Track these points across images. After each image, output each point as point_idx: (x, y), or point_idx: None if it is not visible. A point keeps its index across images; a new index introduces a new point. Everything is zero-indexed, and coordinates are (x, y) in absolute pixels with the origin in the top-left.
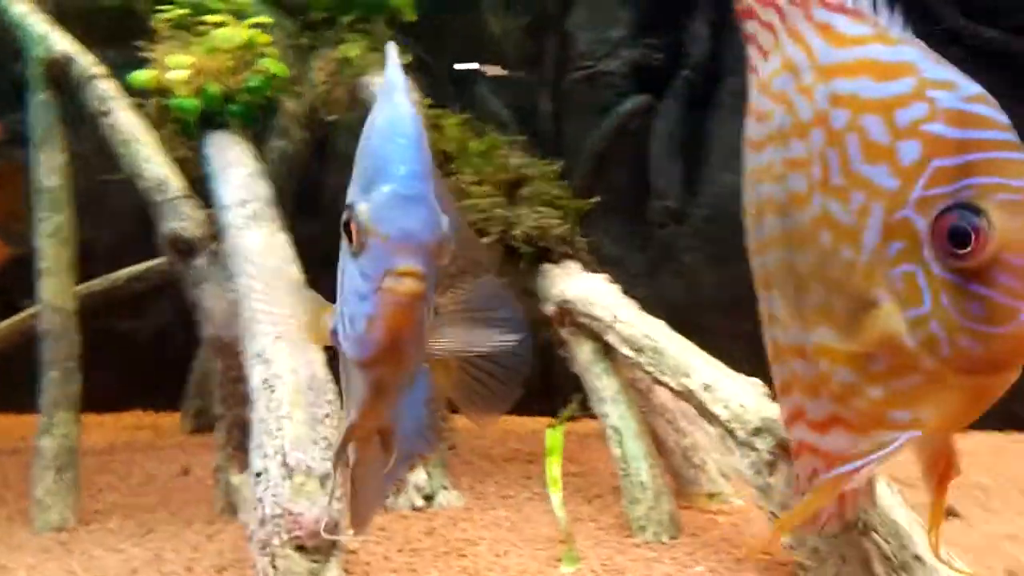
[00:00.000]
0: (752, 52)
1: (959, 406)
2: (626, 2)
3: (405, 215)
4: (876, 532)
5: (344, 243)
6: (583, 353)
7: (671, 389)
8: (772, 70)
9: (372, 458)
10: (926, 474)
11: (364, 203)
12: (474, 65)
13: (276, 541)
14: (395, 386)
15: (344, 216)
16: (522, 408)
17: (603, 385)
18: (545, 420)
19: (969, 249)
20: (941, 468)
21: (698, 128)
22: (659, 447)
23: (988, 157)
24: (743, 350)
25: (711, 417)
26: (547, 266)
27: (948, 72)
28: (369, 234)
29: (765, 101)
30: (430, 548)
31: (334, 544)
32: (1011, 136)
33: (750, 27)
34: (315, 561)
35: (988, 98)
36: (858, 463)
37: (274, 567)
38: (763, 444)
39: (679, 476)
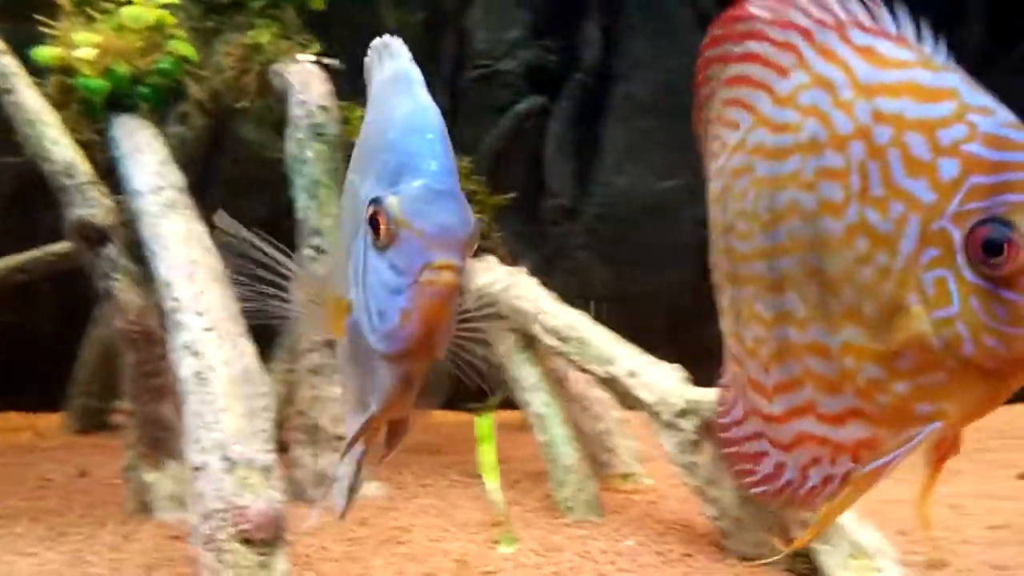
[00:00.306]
0: (755, 70)
1: (979, 400)
2: (522, 3)
3: (440, 209)
4: None
5: (367, 237)
6: (505, 344)
7: (597, 376)
8: (798, 85)
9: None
10: (928, 453)
11: (393, 197)
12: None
13: (222, 535)
14: (421, 377)
15: (369, 210)
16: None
17: (526, 374)
18: (446, 412)
19: (1002, 258)
20: (944, 449)
21: (591, 130)
22: (576, 432)
23: (1021, 178)
24: (635, 342)
25: (637, 402)
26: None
27: (987, 99)
28: (402, 228)
29: (788, 113)
30: (367, 537)
31: (281, 536)
32: None
33: (756, 47)
34: (263, 553)
35: (1020, 125)
36: (892, 456)
37: (220, 561)
38: (688, 424)
39: (595, 459)
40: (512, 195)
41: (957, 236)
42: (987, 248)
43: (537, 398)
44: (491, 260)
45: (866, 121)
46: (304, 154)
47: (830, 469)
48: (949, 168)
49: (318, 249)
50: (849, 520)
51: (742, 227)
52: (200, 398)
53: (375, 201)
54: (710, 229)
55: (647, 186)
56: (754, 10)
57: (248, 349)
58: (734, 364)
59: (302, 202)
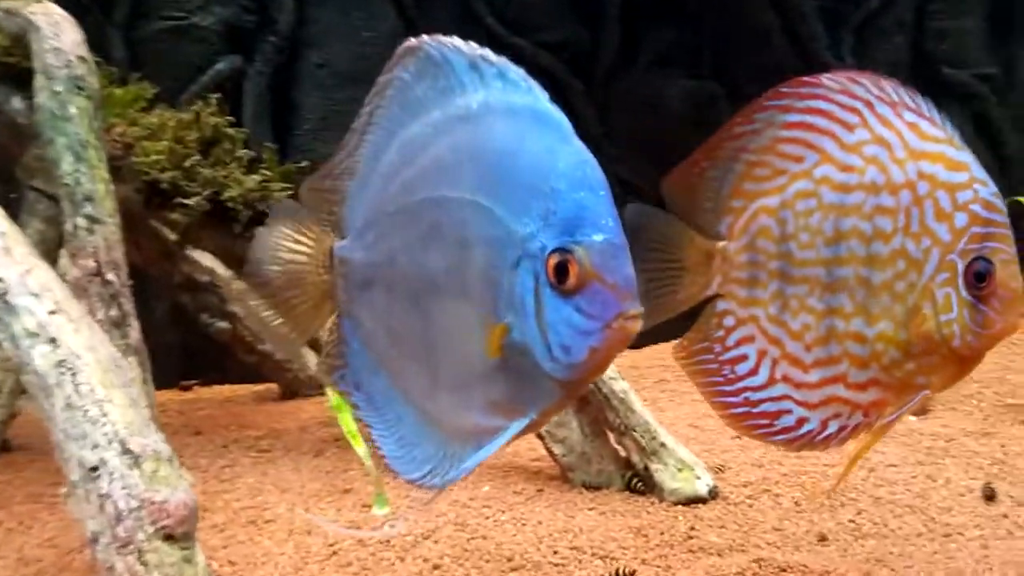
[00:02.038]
0: (820, 121)
1: (953, 376)
2: None
3: (624, 264)
4: (634, 431)
5: (542, 278)
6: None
7: None
8: (862, 139)
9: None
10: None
11: (581, 249)
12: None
13: (140, 536)
14: None
15: (555, 258)
16: (160, 380)
17: None
18: (191, 390)
19: (985, 284)
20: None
21: (288, 97)
22: None
23: (997, 231)
24: None
25: None
26: (262, 229)
27: (984, 173)
28: (592, 279)
29: (854, 158)
30: (230, 522)
31: (194, 527)
32: (1006, 218)
33: (823, 105)
34: (185, 548)
35: (999, 194)
36: (897, 412)
37: (143, 564)
38: None
39: None
40: (304, 163)
41: (960, 266)
42: (977, 277)
43: None
44: None
45: (912, 177)
46: (66, 110)
47: (846, 421)
48: (961, 219)
49: (92, 219)
50: (673, 443)
51: (805, 239)
52: (72, 390)
53: (562, 251)
54: (749, 232)
55: None
56: (826, 80)
57: (103, 336)
58: (768, 343)
59: (68, 166)
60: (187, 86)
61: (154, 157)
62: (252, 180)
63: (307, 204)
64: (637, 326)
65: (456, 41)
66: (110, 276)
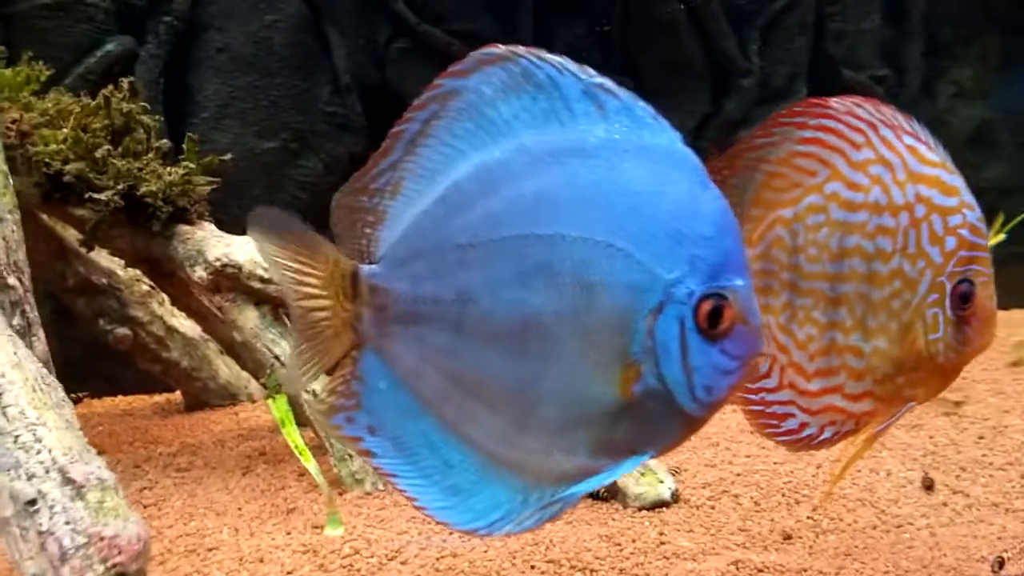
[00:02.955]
0: (831, 138)
1: (936, 388)
2: None
3: (755, 306)
4: None
5: (693, 322)
6: (249, 321)
7: None
8: (867, 158)
9: None
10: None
11: (731, 295)
12: None
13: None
14: None
15: (709, 303)
16: None
17: (284, 349)
18: (80, 403)
19: (968, 305)
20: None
21: (183, 82)
22: None
23: (980, 255)
24: None
25: None
26: (184, 228)
27: (971, 197)
28: (738, 322)
29: (860, 176)
30: (168, 551)
31: (147, 563)
32: (987, 241)
33: (832, 123)
34: None
35: (984, 219)
36: (886, 423)
37: None
38: None
39: None
40: (227, 156)
41: (948, 287)
42: (962, 298)
43: None
44: (209, 228)
45: (911, 199)
46: None
47: (840, 428)
48: (951, 242)
49: None
50: None
51: (813, 252)
52: None
53: (717, 296)
54: (765, 241)
55: (248, 145)
56: (833, 103)
57: (23, 348)
58: (777, 350)
59: None
60: (71, 69)
61: (55, 147)
62: (174, 173)
63: (336, 222)
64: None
65: (567, 62)
66: (12, 281)
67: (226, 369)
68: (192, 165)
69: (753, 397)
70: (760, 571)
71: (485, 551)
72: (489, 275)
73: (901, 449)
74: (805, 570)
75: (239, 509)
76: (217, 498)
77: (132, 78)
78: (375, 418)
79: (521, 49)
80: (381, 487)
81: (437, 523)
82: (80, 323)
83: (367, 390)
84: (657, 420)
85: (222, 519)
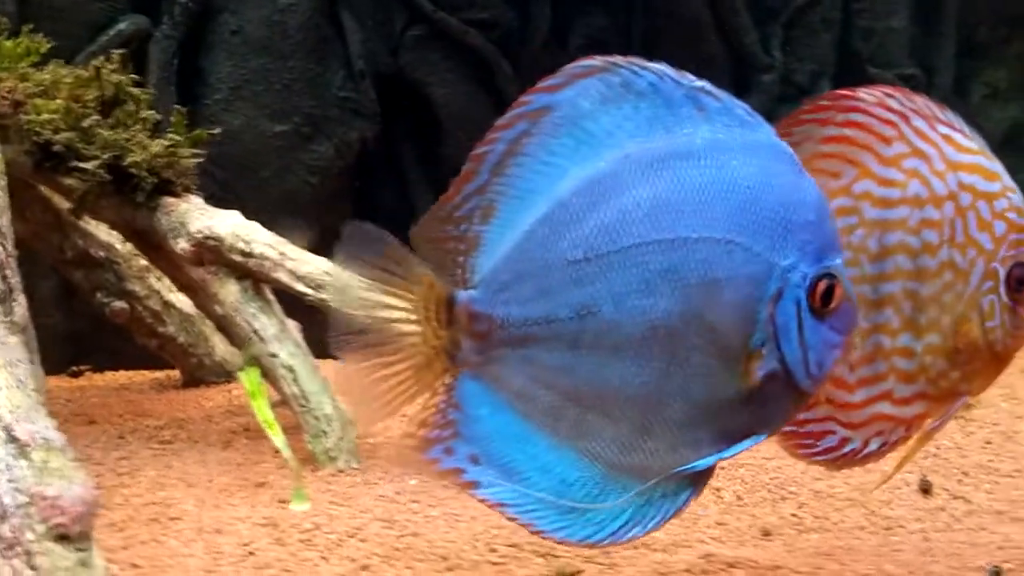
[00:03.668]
0: (858, 134)
1: (991, 377)
2: None
3: (850, 282)
4: None
5: (804, 302)
6: (230, 294)
7: None
8: (900, 152)
9: None
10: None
11: (837, 272)
12: None
13: (30, 536)
14: None
15: (823, 284)
16: (46, 365)
17: (263, 324)
18: (82, 376)
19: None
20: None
21: (196, 63)
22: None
23: None
24: None
25: None
26: (169, 200)
27: (1012, 181)
28: (844, 300)
29: (893, 172)
30: (130, 519)
31: (92, 526)
32: None
33: (861, 118)
34: (81, 549)
35: None
36: (943, 419)
37: (33, 568)
38: None
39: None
40: (217, 131)
41: (1002, 273)
42: (1019, 282)
43: (283, 348)
44: (196, 201)
45: (953, 188)
46: None
47: (888, 438)
48: (1000, 227)
49: None
50: None
51: (847, 256)
52: None
53: (828, 277)
54: None
55: (259, 128)
56: (862, 94)
57: None
58: None
59: None
60: (84, 47)
61: (46, 116)
62: (159, 145)
63: (422, 252)
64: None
65: (667, 69)
66: None
67: (222, 346)
68: (178, 137)
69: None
70: (731, 566)
71: (447, 532)
72: (611, 286)
73: (901, 451)
74: (779, 567)
75: (210, 481)
76: (192, 470)
77: (122, 51)
78: (477, 446)
79: (620, 59)
80: (355, 465)
81: (558, 543)
82: (80, 296)
83: (466, 418)
84: (776, 400)
85: (192, 490)
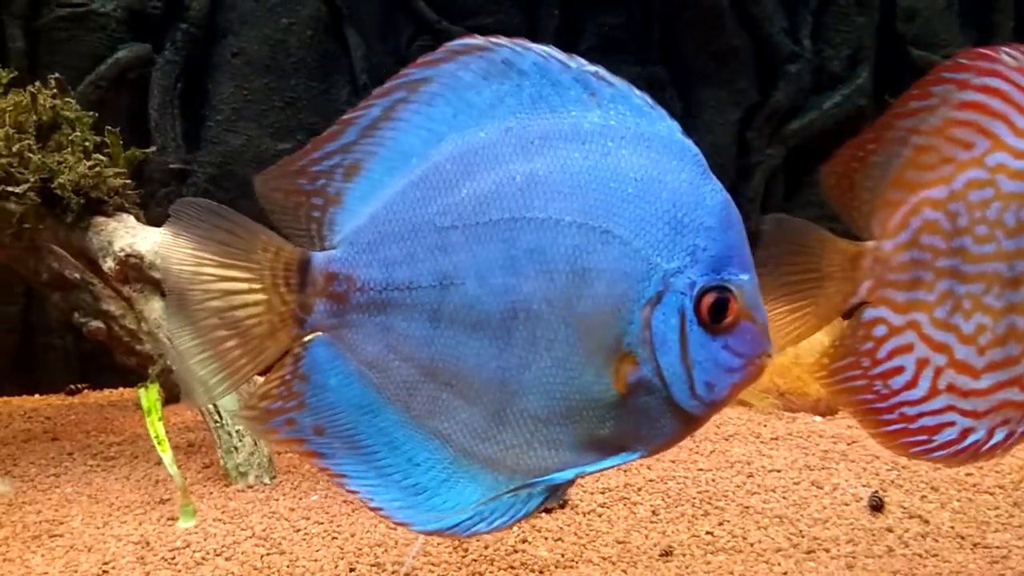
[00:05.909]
0: (995, 103)
1: None
2: None
3: (762, 303)
4: None
5: (688, 314)
6: (153, 311)
7: None
8: None
9: None
10: None
11: (736, 288)
12: None
13: None
14: None
15: (711, 296)
16: (48, 384)
17: None
18: (24, 398)
19: None
20: None
21: (199, 86)
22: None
23: None
24: None
25: None
26: (100, 219)
27: None
28: (743, 318)
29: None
30: (9, 537)
31: None
32: None
33: (999, 83)
34: None
35: None
36: None
37: None
38: None
39: None
40: (151, 149)
41: None
42: None
43: None
44: (128, 219)
45: None
46: None
47: (1016, 427)
48: None
49: None
50: None
51: (982, 231)
52: None
53: (720, 289)
54: (910, 228)
55: (262, 147)
56: (1003, 55)
57: None
58: (933, 351)
59: None
60: (85, 76)
61: None
62: (83, 165)
63: (269, 205)
64: (769, 364)
65: (553, 50)
66: None
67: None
68: (102, 158)
69: (888, 416)
70: None
71: (318, 550)
72: (475, 259)
73: (865, 462)
74: None
75: (117, 498)
76: (108, 487)
77: (58, 75)
78: (323, 417)
79: (503, 39)
80: (267, 480)
81: (395, 524)
82: (58, 317)
83: (313, 388)
84: (652, 416)
85: (93, 507)
